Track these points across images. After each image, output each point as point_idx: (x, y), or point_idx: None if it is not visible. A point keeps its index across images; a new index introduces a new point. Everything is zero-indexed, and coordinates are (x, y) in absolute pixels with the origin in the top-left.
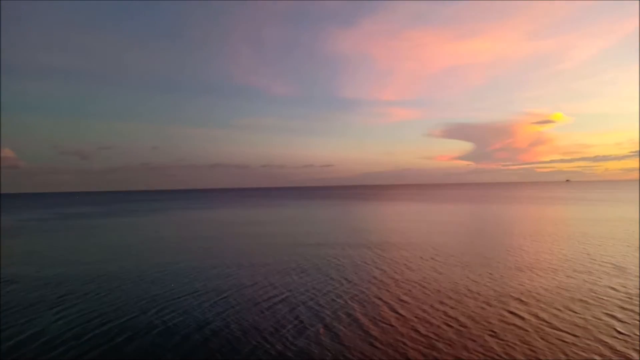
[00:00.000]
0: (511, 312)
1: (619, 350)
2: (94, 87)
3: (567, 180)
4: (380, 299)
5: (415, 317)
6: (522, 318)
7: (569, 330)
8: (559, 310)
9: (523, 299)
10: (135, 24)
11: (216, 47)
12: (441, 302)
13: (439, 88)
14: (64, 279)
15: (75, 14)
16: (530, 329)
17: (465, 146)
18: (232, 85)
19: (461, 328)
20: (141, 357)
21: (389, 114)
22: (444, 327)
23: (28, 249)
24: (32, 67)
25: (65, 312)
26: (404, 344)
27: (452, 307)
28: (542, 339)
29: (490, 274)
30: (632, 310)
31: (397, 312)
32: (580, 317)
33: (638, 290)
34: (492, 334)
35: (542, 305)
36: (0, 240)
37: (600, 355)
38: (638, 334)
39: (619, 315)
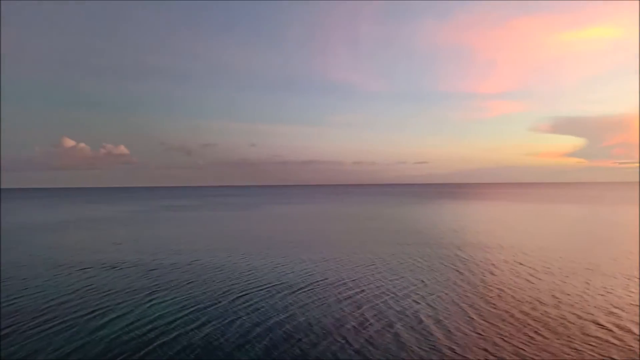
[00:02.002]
0: (602, 327)
1: None
2: (197, 88)
3: None
4: (454, 302)
5: (488, 325)
6: (611, 331)
7: None
8: None
9: (621, 314)
10: (236, 24)
11: (312, 46)
12: (521, 311)
13: (546, 79)
14: (161, 266)
15: (178, 15)
16: (619, 345)
17: (575, 142)
18: (327, 82)
19: (536, 342)
20: (222, 343)
21: (489, 108)
22: (520, 338)
23: (133, 237)
24: (141, 69)
25: (158, 298)
26: (471, 351)
27: (531, 318)
28: None
29: (587, 284)
30: None
31: (469, 317)
32: None
33: None
34: (573, 351)
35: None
36: (110, 229)
37: None
38: None
39: None
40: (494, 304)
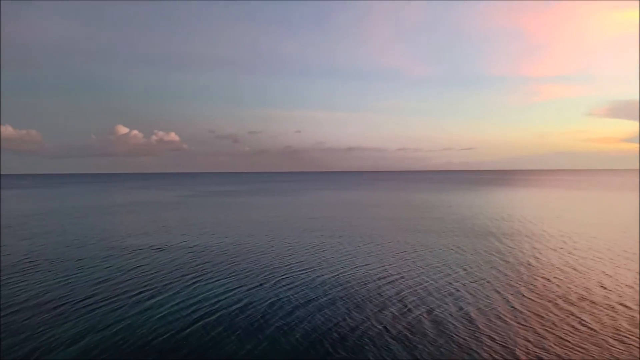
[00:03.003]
0: None
1: None
2: (245, 77)
3: None
4: (497, 291)
5: (530, 314)
6: None
7: None
8: None
9: None
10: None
11: (357, 32)
12: (567, 301)
13: (603, 61)
14: (207, 249)
15: (229, 6)
16: None
17: (635, 127)
18: (372, 68)
19: (581, 332)
20: (262, 324)
21: (541, 92)
22: (563, 329)
23: (181, 221)
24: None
25: (203, 280)
26: (511, 340)
27: (577, 308)
28: None
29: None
30: None
31: (512, 306)
32: None
33: None
34: (621, 344)
35: None
36: (159, 213)
37: None
38: None
39: None
40: (538, 293)
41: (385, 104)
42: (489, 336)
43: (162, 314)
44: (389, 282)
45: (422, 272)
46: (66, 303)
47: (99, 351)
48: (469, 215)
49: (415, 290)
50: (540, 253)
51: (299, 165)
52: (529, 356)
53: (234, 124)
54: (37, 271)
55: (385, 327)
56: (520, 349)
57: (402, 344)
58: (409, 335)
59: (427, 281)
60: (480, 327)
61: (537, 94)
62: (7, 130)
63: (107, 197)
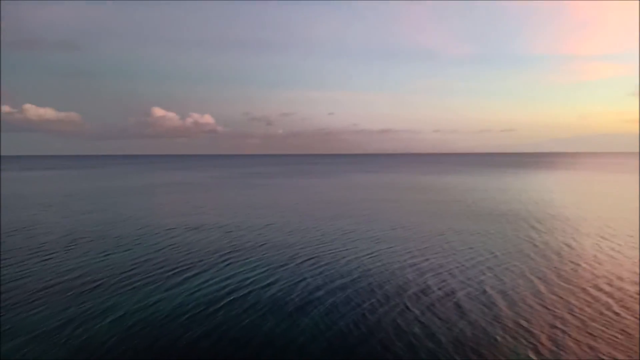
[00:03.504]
0: None
1: None
2: (278, 59)
3: None
4: (524, 275)
5: (557, 299)
6: None
7: None
8: None
9: None
10: None
11: (393, 12)
12: (597, 288)
13: None
14: (237, 228)
15: None
16: None
17: None
18: (407, 48)
19: (608, 318)
20: (286, 303)
21: (587, 71)
22: (590, 315)
23: (214, 201)
24: (226, 42)
25: (233, 259)
26: (534, 323)
27: (606, 294)
28: None
29: None
30: None
31: (538, 291)
32: None
33: None
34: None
35: None
36: (193, 193)
37: None
38: None
39: None
40: (567, 279)
41: (420, 85)
42: (515, 321)
43: (194, 291)
44: (415, 265)
45: (449, 255)
46: (105, 278)
47: (134, 324)
48: (504, 200)
49: (439, 272)
50: (573, 238)
51: (332, 147)
52: (553, 342)
53: (268, 106)
54: (78, 248)
55: (406, 306)
56: (545, 335)
57: (423, 325)
58: (430, 317)
59: (453, 263)
60: (505, 311)
61: (581, 73)
62: (49, 112)
63: (144, 178)
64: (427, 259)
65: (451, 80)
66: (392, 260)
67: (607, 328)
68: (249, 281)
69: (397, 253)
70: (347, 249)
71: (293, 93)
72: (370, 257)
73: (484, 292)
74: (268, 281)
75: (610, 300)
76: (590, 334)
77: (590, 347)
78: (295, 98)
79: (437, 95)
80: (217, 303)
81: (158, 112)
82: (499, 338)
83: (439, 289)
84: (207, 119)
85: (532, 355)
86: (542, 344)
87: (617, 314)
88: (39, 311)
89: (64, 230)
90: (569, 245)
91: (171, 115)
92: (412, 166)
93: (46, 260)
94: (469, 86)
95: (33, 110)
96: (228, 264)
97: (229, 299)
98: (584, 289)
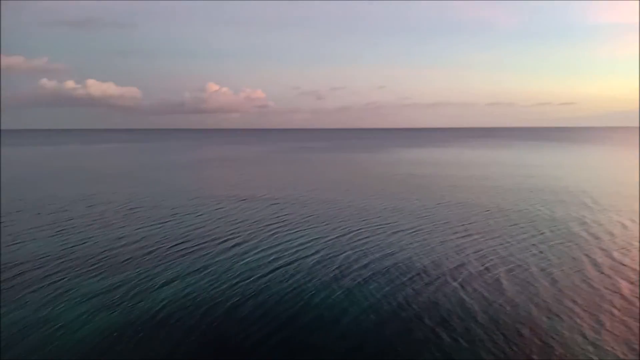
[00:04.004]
0: None
1: None
2: (329, 35)
3: None
4: (571, 256)
5: (604, 278)
6: None
7: None
8: None
9: None
10: None
11: None
12: None
13: None
14: (284, 201)
15: None
16: None
17: None
18: (459, 21)
19: None
20: (326, 273)
21: None
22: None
23: (264, 175)
24: (278, 19)
25: (279, 230)
26: (575, 303)
27: None
28: None
29: None
30: None
31: (584, 270)
32: None
33: None
34: None
35: None
36: (244, 167)
37: None
38: None
39: None
40: (618, 262)
41: (474, 58)
42: (557, 300)
43: (244, 261)
44: (457, 242)
45: (492, 232)
46: (158, 246)
47: (188, 292)
48: (559, 176)
49: (495, 250)
50: (631, 219)
51: (382, 121)
52: (596, 324)
53: (318, 80)
54: (135, 217)
55: (461, 284)
56: (605, 316)
57: (460, 301)
58: (468, 293)
59: (497, 242)
60: (547, 291)
61: None
62: (110, 87)
63: (198, 152)
64: (469, 235)
65: (506, 53)
66: (434, 236)
67: None
68: (292, 251)
69: (439, 229)
70: (388, 224)
71: (343, 67)
72: (412, 233)
73: (526, 270)
74: (310, 252)
75: None
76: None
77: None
78: (345, 73)
79: (493, 68)
80: (261, 271)
81: (212, 87)
82: (536, 318)
83: (480, 265)
84: (259, 93)
85: (571, 334)
86: (584, 324)
87: None
88: (98, 275)
89: (122, 200)
90: (623, 226)
91: (225, 90)
92: (464, 141)
93: (106, 227)
94: (525, 59)
95: (96, 86)
96: (274, 235)
97: (272, 268)
98: (634, 270)
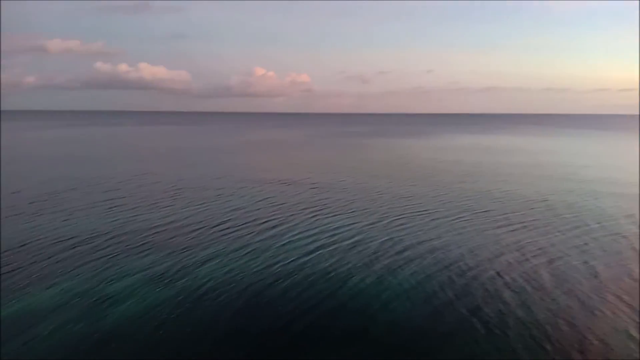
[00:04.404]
0: None
1: None
2: (374, 19)
3: None
4: (632, 248)
5: None
6: None
7: None
8: None
9: None
10: None
11: None
12: None
13: None
14: (327, 185)
15: None
16: None
17: None
18: (513, 4)
19: None
20: (372, 260)
21: None
22: None
23: (307, 158)
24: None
25: (321, 214)
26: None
27: None
28: None
29: None
30: None
31: (632, 275)
32: None
33: None
34: None
35: None
36: (287, 151)
37: None
38: None
39: None
40: None
41: (529, 42)
42: (616, 295)
43: (282, 242)
44: (510, 232)
45: (551, 223)
46: (203, 226)
47: (228, 270)
48: (618, 166)
49: (537, 241)
50: None
51: (429, 106)
52: None
53: (364, 64)
54: (181, 197)
55: (498, 274)
56: None
57: (514, 292)
58: (522, 284)
59: (555, 233)
60: (608, 284)
61: None
62: (161, 71)
63: (244, 135)
64: (511, 225)
65: (563, 37)
66: (486, 224)
67: None
68: (336, 237)
69: (492, 218)
70: (428, 211)
71: (390, 51)
72: (463, 221)
73: (568, 263)
74: (355, 238)
75: None
76: None
77: None
78: (392, 56)
79: (548, 51)
80: (298, 253)
81: (259, 71)
82: (576, 313)
83: (520, 256)
84: (304, 77)
85: (613, 332)
86: (627, 322)
87: None
88: (144, 251)
89: (170, 180)
90: None
91: (271, 74)
92: (515, 127)
93: (154, 206)
94: (582, 43)
95: (148, 69)
96: (317, 219)
97: (309, 250)
98: None
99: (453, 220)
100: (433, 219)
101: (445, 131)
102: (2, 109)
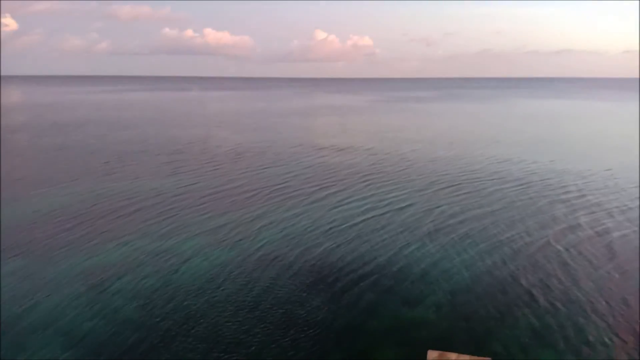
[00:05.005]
0: None
1: None
2: None
3: None
4: None
5: None
6: None
7: None
8: None
9: None
10: None
11: None
12: None
13: None
14: (381, 152)
15: None
16: None
17: None
18: None
19: None
20: (418, 226)
21: None
22: None
23: (366, 124)
24: None
25: (374, 180)
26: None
27: None
28: None
29: None
30: None
31: None
32: None
33: None
34: None
35: None
36: (346, 116)
37: None
38: None
39: None
40: None
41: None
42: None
43: (339, 208)
44: (582, 202)
45: (613, 194)
46: (259, 189)
47: (285, 234)
48: None
49: (611, 213)
50: None
51: (497, 70)
52: None
53: (428, 24)
54: (241, 161)
55: (566, 247)
56: None
57: (582, 266)
58: (591, 259)
59: (615, 204)
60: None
61: None
62: (225, 36)
63: (307, 101)
64: (583, 196)
65: None
66: (542, 193)
67: None
68: (385, 202)
69: (549, 186)
70: (492, 179)
71: (456, 8)
72: (516, 189)
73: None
74: (404, 204)
75: None
76: None
77: None
78: (458, 14)
79: (628, 13)
80: (355, 219)
81: (320, 35)
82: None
83: (589, 229)
84: (366, 41)
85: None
86: None
87: None
88: (206, 214)
89: (232, 145)
90: None
91: (332, 38)
92: (590, 92)
93: (215, 170)
94: None
95: (212, 35)
96: (368, 185)
97: (366, 217)
98: None
99: (520, 188)
100: (498, 188)
101: (511, 95)
102: (80, 74)
